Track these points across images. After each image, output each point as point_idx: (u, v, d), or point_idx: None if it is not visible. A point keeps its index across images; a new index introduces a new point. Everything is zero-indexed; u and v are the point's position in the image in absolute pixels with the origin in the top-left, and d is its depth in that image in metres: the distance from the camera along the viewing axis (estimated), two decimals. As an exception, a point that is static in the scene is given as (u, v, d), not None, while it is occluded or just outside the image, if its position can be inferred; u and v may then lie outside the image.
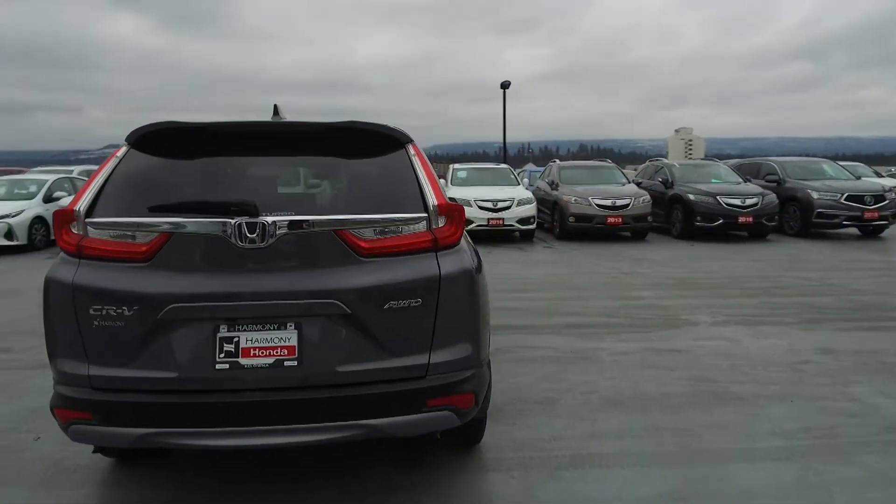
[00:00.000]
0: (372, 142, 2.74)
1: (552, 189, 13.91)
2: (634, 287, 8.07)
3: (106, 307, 2.41)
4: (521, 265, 10.16)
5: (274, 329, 2.45)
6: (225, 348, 2.42)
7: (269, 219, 2.43)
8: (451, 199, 12.15)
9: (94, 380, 2.45)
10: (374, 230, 2.53)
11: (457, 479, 3.05)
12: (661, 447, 3.39)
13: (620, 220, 12.77)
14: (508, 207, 12.65)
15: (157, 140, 2.67)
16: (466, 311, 2.65)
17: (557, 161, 15.78)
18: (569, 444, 3.41)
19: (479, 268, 2.82)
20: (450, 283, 2.58)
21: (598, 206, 12.77)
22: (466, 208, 12.33)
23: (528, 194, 13.27)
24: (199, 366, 2.40)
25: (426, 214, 2.59)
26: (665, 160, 15.39)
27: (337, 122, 2.68)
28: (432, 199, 2.60)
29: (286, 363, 2.43)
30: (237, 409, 2.41)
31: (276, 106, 2.92)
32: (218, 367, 2.40)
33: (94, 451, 2.62)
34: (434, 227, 2.60)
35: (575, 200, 12.92)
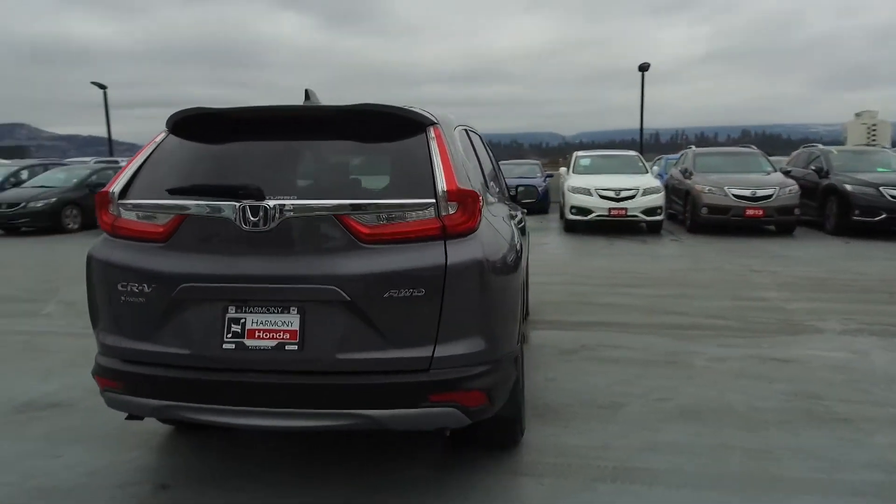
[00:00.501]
0: (389, 125, 2.64)
1: (685, 177, 12.95)
2: (760, 286, 7.29)
3: (130, 284, 2.55)
4: (639, 259, 9.57)
5: (278, 312, 2.45)
6: (232, 329, 2.46)
7: (272, 202, 2.42)
8: (572, 188, 11.70)
9: (123, 352, 2.60)
10: (378, 216, 2.44)
11: (480, 479, 2.90)
12: (724, 468, 2.99)
13: (762, 212, 11.59)
14: (632, 197, 11.96)
15: (190, 125, 2.77)
16: (477, 303, 2.48)
17: (693, 147, 14.66)
18: (617, 455, 3.12)
19: (502, 259, 2.63)
20: (458, 274, 2.42)
21: (735, 196, 11.68)
22: (586, 198, 12.01)
23: (656, 183, 12.46)
24: (208, 344, 2.47)
25: (434, 200, 2.45)
26: (821, 146, 13.72)
27: (352, 105, 2.62)
28: (442, 185, 2.45)
29: (287, 347, 2.42)
30: (241, 389, 2.44)
31: (307, 91, 2.91)
32: (225, 346, 2.45)
33: (126, 419, 2.78)
34: (444, 213, 2.45)
35: (709, 190, 11.91)
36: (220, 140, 2.76)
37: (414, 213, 2.45)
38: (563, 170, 15.11)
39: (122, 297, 2.57)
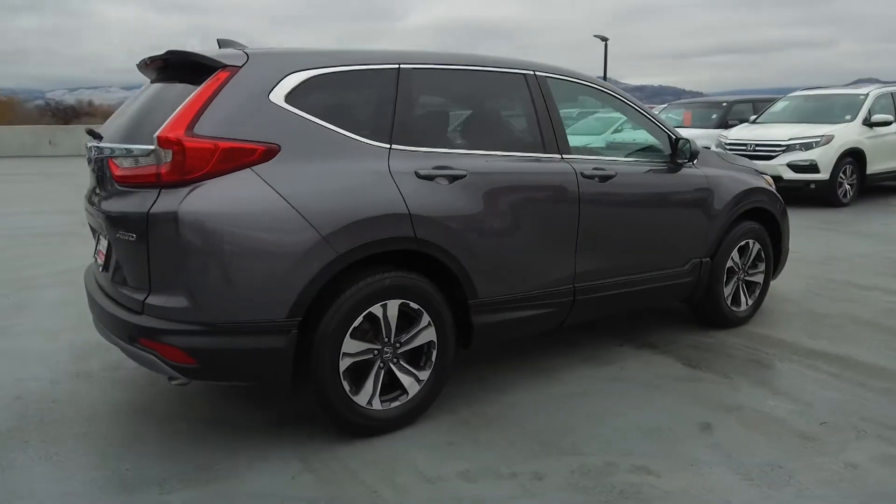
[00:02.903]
0: (191, 70, 2.67)
1: None
2: None
3: None
4: None
5: (105, 239, 2.87)
6: (97, 249, 3.02)
7: (90, 144, 2.84)
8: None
9: None
10: (125, 160, 2.59)
11: (265, 450, 2.73)
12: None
13: None
14: None
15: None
16: (178, 258, 2.43)
17: None
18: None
19: (237, 221, 2.44)
20: (156, 225, 2.44)
21: None
22: None
23: None
24: (96, 261, 3.09)
25: (153, 147, 2.45)
26: None
27: (165, 53, 2.76)
28: (158, 131, 2.43)
29: (102, 271, 2.86)
30: (94, 303, 2.96)
31: (218, 41, 3.03)
32: (97, 265, 3.03)
33: None
34: (163, 161, 2.43)
35: None
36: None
37: (142, 160, 2.51)
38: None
39: None
